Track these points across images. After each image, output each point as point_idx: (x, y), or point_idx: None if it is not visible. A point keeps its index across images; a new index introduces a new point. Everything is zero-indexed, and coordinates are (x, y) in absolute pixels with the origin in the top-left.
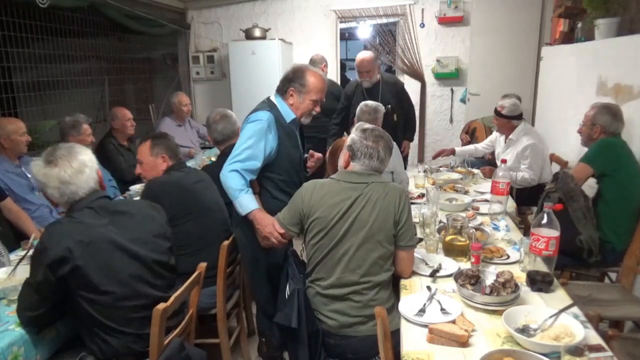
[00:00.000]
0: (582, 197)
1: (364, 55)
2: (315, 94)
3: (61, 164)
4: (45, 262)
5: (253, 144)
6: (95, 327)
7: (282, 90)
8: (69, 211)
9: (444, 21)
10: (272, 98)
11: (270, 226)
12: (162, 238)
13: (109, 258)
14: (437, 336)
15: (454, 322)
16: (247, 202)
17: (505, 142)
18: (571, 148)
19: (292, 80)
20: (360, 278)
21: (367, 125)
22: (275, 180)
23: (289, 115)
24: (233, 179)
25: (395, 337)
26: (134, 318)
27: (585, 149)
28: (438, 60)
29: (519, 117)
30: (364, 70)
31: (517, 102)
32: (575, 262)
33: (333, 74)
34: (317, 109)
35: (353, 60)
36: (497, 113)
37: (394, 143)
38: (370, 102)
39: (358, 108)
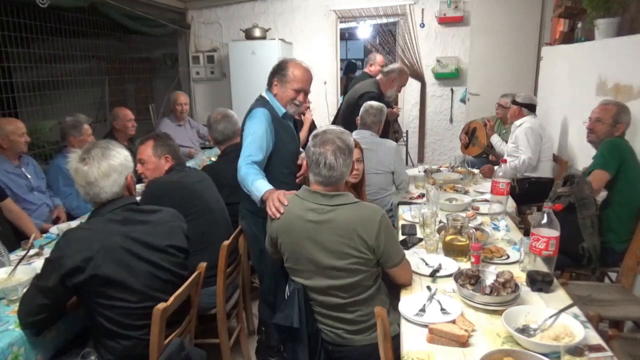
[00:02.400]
0: (594, 206)
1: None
2: (296, 83)
3: (91, 164)
4: (61, 270)
5: (260, 137)
6: (104, 331)
7: (269, 84)
8: (93, 213)
9: (444, 21)
10: (264, 94)
11: (277, 203)
12: (179, 250)
13: (125, 267)
14: (437, 336)
15: (454, 322)
16: (264, 185)
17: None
18: (571, 147)
19: (275, 73)
20: (344, 300)
21: (324, 128)
22: (275, 173)
23: (280, 109)
24: (249, 169)
25: (393, 343)
26: (143, 325)
27: (586, 146)
28: (438, 60)
29: (530, 109)
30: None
31: (533, 96)
32: (575, 264)
33: (333, 73)
34: (300, 97)
35: (353, 59)
36: (512, 101)
37: (395, 143)
38: (375, 103)
39: (362, 108)
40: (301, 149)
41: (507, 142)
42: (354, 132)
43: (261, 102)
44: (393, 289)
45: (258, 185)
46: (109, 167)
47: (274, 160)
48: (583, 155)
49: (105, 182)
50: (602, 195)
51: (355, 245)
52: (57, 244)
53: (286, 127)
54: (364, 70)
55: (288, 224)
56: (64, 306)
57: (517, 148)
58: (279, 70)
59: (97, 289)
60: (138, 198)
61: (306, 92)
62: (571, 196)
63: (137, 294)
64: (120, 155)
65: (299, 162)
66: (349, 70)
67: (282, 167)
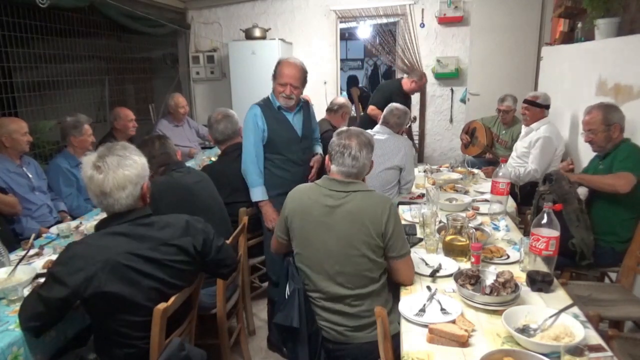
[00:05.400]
0: (577, 200)
1: None
2: (282, 78)
3: (106, 173)
4: (63, 289)
5: (252, 136)
6: (107, 340)
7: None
8: (101, 224)
9: (444, 21)
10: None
11: (270, 223)
12: (186, 264)
13: (130, 284)
14: (437, 336)
15: (454, 322)
16: (258, 193)
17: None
18: (571, 148)
19: (273, 72)
20: (350, 291)
21: (347, 127)
22: (272, 160)
23: (276, 103)
24: (252, 171)
25: (393, 342)
26: (145, 336)
27: (585, 147)
28: (438, 60)
29: (549, 107)
30: None
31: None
32: (571, 263)
33: (333, 73)
34: (287, 90)
35: (353, 59)
36: (532, 103)
37: (410, 142)
38: (400, 106)
39: (387, 109)
40: (319, 153)
41: (509, 144)
42: (376, 127)
43: (262, 99)
44: (394, 287)
45: (255, 191)
46: (125, 178)
47: (269, 147)
48: (582, 155)
49: (120, 194)
50: (584, 192)
51: (366, 230)
52: (59, 256)
53: (279, 119)
54: (402, 81)
55: (305, 208)
56: (63, 315)
57: (528, 153)
58: (274, 70)
59: (102, 305)
60: None
61: (293, 85)
62: (553, 194)
63: (143, 309)
64: (137, 165)
65: (311, 163)
66: (354, 84)
67: (278, 153)
